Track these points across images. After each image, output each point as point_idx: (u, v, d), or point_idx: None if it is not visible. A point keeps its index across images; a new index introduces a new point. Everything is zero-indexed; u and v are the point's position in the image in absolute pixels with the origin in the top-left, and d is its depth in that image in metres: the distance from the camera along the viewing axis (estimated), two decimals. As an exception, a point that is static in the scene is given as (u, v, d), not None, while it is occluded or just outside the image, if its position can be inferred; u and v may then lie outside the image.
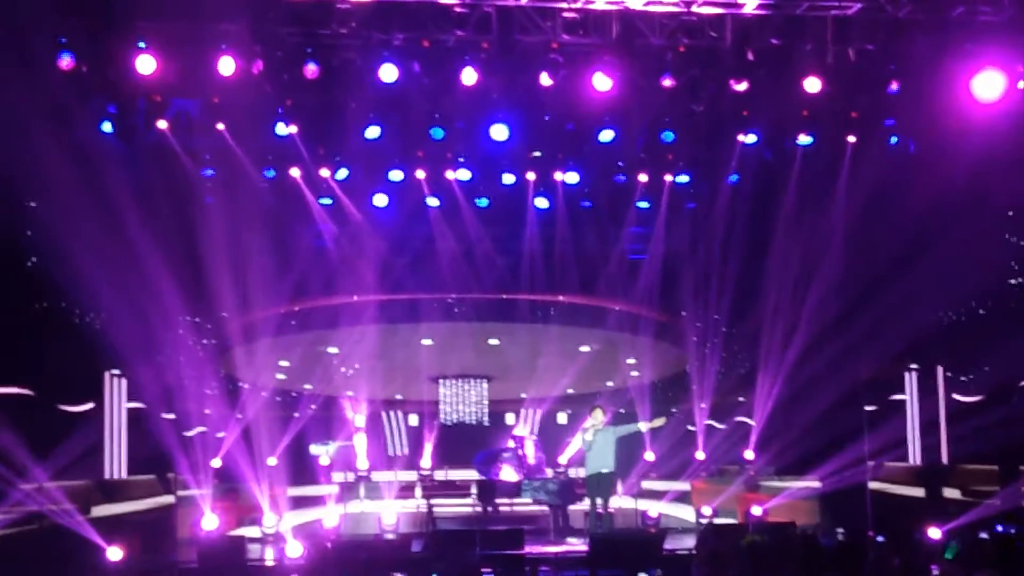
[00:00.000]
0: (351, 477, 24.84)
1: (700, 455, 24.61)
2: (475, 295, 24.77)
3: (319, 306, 24.74)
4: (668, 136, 19.91)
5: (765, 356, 22.92)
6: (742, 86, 17.49)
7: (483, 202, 22.37)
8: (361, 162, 20.69)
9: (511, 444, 22.63)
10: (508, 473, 21.51)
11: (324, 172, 20.76)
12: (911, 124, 19.06)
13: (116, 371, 21.15)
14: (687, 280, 23.95)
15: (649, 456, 24.81)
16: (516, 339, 27.31)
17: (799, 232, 21.46)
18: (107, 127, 18.24)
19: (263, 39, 16.57)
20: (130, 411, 21.31)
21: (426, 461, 27.94)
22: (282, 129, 19.11)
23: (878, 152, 19.57)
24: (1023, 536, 14.78)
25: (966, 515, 18.50)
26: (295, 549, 17.70)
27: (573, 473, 23.37)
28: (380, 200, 21.66)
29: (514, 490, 21.13)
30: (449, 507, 24.09)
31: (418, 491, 25.49)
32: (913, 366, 22.16)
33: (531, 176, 21.76)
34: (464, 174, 21.35)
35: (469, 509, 23.10)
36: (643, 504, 23.09)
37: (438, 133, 19.54)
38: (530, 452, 21.91)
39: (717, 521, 21.50)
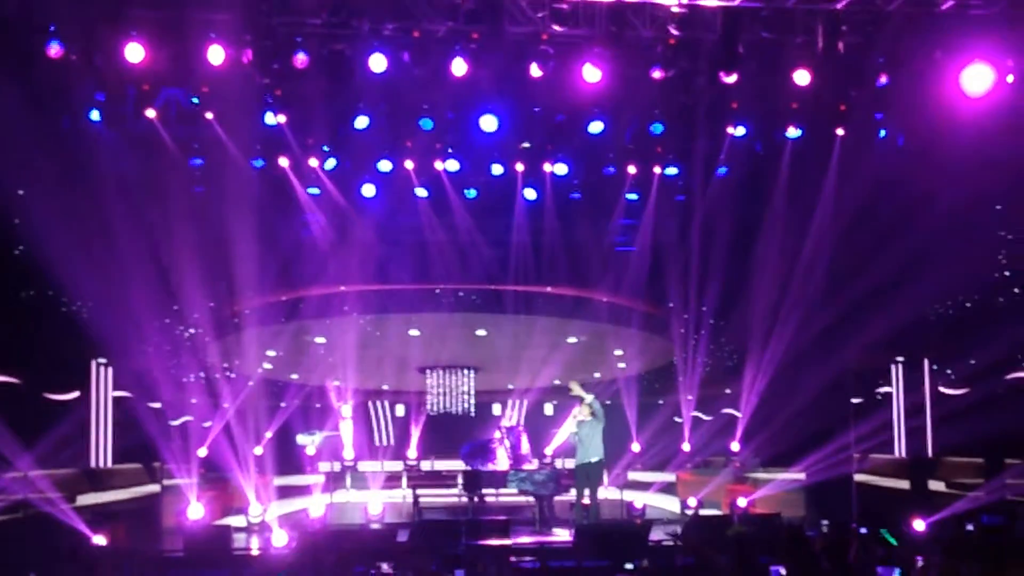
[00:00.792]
0: (337, 467, 24.88)
1: (686, 446, 24.68)
2: (463, 286, 24.78)
3: (306, 296, 24.73)
4: (657, 128, 19.92)
5: (752, 348, 22.97)
6: (732, 79, 17.47)
7: (472, 193, 22.36)
8: (350, 152, 20.68)
9: (497, 435, 22.64)
10: (495, 463, 21.52)
11: (313, 162, 20.73)
12: (900, 117, 19.08)
13: (102, 360, 21.13)
14: (675, 272, 23.98)
15: (635, 447, 24.89)
16: (503, 330, 27.33)
17: (787, 225, 21.50)
18: (96, 115, 18.20)
19: (253, 28, 16.51)
20: (116, 400, 21.28)
21: (412, 451, 27.96)
22: (271, 119, 19.09)
23: (867, 145, 19.61)
24: (1008, 528, 14.87)
25: (951, 507, 18.58)
26: (281, 538, 17.73)
27: (559, 464, 23.45)
28: (368, 190, 21.64)
29: (500, 481, 21.15)
30: (435, 497, 24.14)
31: (404, 481, 25.50)
32: (899, 358, 22.22)
33: (520, 167, 21.75)
34: (453, 165, 21.34)
35: (455, 499, 23.13)
36: (629, 495, 23.15)
37: (427, 124, 19.54)
38: (516, 443, 21.92)
39: (703, 512, 21.55)
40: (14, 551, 15.73)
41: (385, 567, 14.48)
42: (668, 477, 25.16)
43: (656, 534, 16.82)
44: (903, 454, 22.01)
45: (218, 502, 22.20)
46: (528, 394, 28.55)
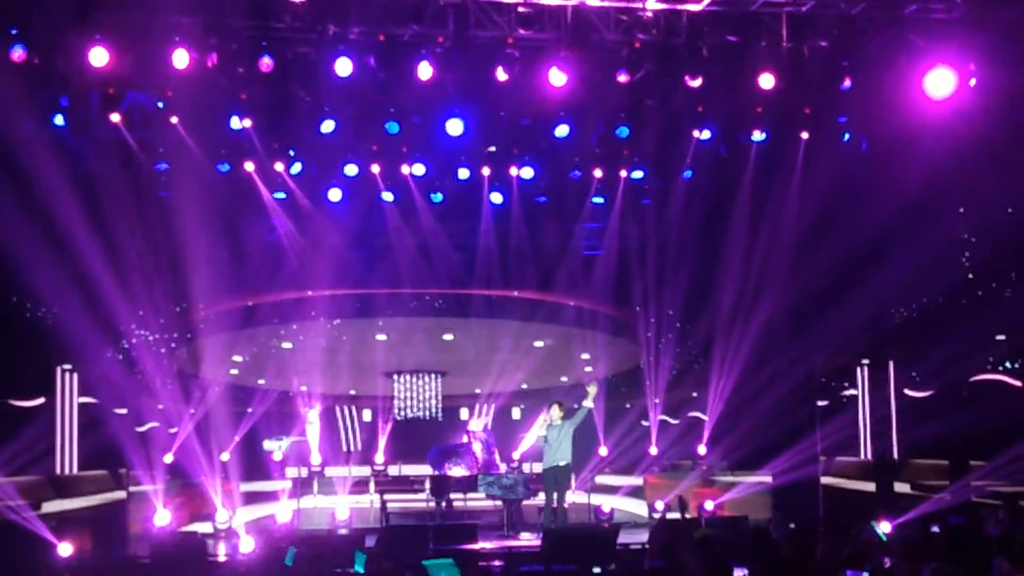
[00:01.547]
0: (304, 472, 24.81)
1: (653, 450, 24.72)
2: (429, 290, 24.76)
3: (273, 301, 24.66)
4: (623, 132, 19.94)
5: (718, 352, 23.03)
6: (697, 82, 17.55)
7: (438, 197, 22.35)
8: (316, 156, 20.62)
9: (465, 439, 22.64)
10: (461, 468, 21.52)
11: (278, 166, 20.64)
12: (864, 121, 19.19)
13: (68, 366, 20.99)
14: (641, 275, 24.03)
15: (602, 451, 24.92)
16: (471, 334, 27.32)
17: (752, 227, 21.58)
18: (59, 120, 18.10)
19: (217, 32, 16.46)
20: (82, 406, 21.15)
21: (380, 456, 27.92)
22: (236, 123, 19.01)
23: (831, 149, 19.70)
24: (972, 529, 14.95)
25: (916, 509, 18.68)
26: (248, 544, 17.68)
27: (527, 468, 23.46)
28: (335, 194, 21.58)
29: (468, 485, 21.13)
30: (403, 502, 24.10)
31: (372, 486, 25.46)
32: (864, 361, 22.33)
33: (486, 171, 21.73)
34: (419, 169, 21.32)
35: (422, 504, 23.11)
36: (596, 499, 23.17)
37: (393, 127, 19.52)
38: (483, 447, 21.92)
39: (670, 516, 21.60)
40: (-22, 559, 15.63)
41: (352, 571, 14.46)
42: (636, 481, 25.20)
43: (624, 537, 16.84)
44: (869, 456, 22.12)
45: (185, 508, 22.11)
46: (495, 398, 28.56)
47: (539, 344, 27.62)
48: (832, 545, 11.99)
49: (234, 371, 27.25)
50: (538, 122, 19.76)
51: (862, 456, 22.21)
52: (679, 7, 16.90)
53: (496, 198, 22.59)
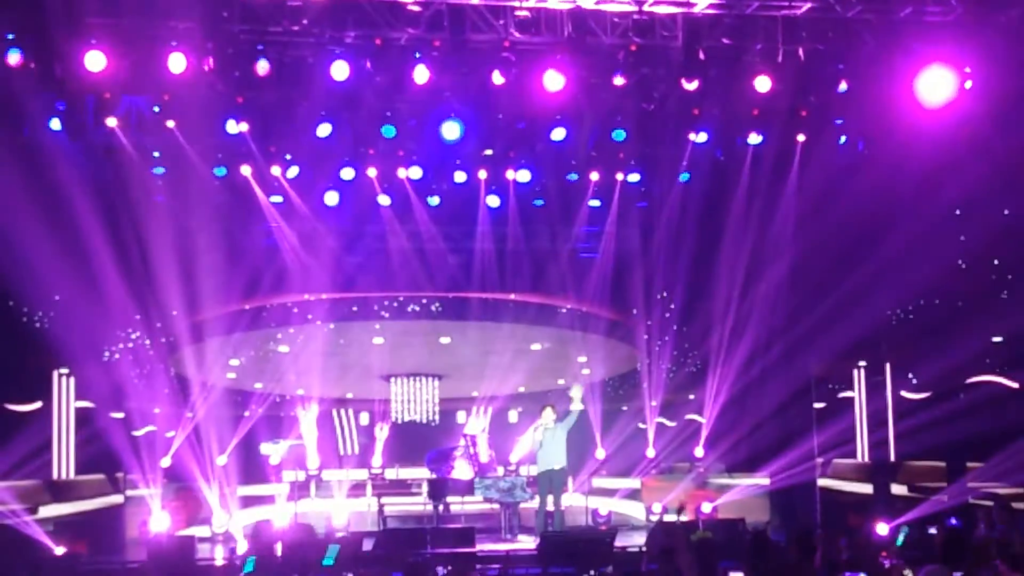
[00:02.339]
0: (302, 476, 24.76)
1: (650, 452, 24.71)
2: (427, 293, 24.76)
3: (270, 305, 24.65)
4: (619, 135, 19.97)
5: (715, 354, 23.03)
6: (693, 85, 17.55)
7: (435, 200, 22.38)
8: (312, 160, 20.60)
9: (462, 442, 22.64)
10: (459, 471, 21.53)
11: (275, 170, 20.63)
12: (860, 123, 19.19)
13: (64, 370, 20.99)
14: (638, 278, 24.04)
15: (600, 454, 24.90)
16: (468, 337, 27.30)
17: (749, 231, 21.59)
18: (56, 124, 18.08)
19: (214, 36, 16.44)
20: (78, 410, 21.14)
21: (377, 460, 27.89)
22: (233, 127, 18.98)
23: (827, 151, 19.70)
24: (969, 531, 14.97)
25: (913, 511, 18.70)
26: (245, 548, 17.67)
27: (524, 471, 23.44)
28: (331, 198, 21.59)
29: (465, 488, 21.14)
30: (400, 506, 24.08)
31: (369, 490, 25.43)
32: (861, 364, 22.34)
33: (483, 174, 21.74)
34: (416, 172, 21.31)
35: (420, 508, 23.10)
36: (594, 502, 23.18)
37: (390, 131, 19.52)
38: (482, 450, 21.93)
39: (667, 518, 21.60)
40: (-24, 563, 15.63)
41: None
42: (633, 483, 25.18)
43: (621, 540, 16.86)
44: (866, 459, 22.13)
45: (182, 512, 22.09)
46: (493, 401, 28.50)
47: (536, 347, 27.60)
48: (831, 548, 11.99)
49: (231, 375, 27.21)
50: (534, 125, 19.76)
51: (859, 458, 22.22)
52: (675, 11, 16.90)
53: (493, 201, 22.60)
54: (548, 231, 23.85)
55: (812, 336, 21.05)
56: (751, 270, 21.84)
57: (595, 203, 23.01)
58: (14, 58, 16.01)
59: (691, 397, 25.59)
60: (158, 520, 20.42)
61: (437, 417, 29.04)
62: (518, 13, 16.92)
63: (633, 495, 24.91)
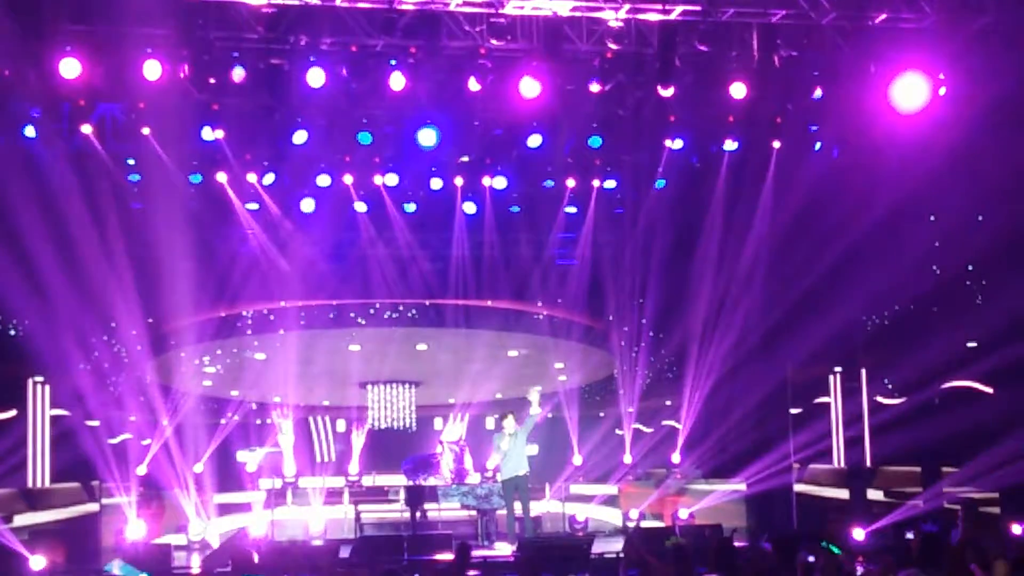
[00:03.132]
0: (278, 483, 24.71)
1: (628, 459, 24.74)
2: (403, 300, 24.73)
3: (245, 312, 24.60)
4: (596, 141, 20.02)
5: (692, 360, 23.07)
6: (669, 92, 17.56)
7: (411, 207, 22.38)
8: (288, 167, 20.60)
9: (439, 449, 22.63)
10: (436, 478, 21.52)
11: (251, 177, 20.61)
12: (835, 130, 19.26)
13: (39, 378, 20.88)
14: (614, 284, 24.08)
15: (577, 460, 24.93)
16: (444, 344, 27.29)
17: (725, 236, 21.64)
18: (30, 132, 18.02)
19: (190, 43, 16.40)
20: (53, 418, 21.05)
21: (354, 467, 27.84)
22: (208, 134, 18.95)
23: (803, 157, 19.77)
24: (945, 535, 15.03)
25: (889, 516, 18.76)
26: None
27: (501, 477, 23.43)
28: (307, 205, 21.57)
29: (443, 495, 21.10)
30: (377, 513, 24.04)
31: (346, 497, 25.39)
32: (836, 369, 22.39)
33: (459, 181, 21.76)
34: (392, 179, 21.32)
35: (397, 515, 23.07)
36: (571, 508, 23.18)
37: (366, 138, 19.54)
38: (458, 457, 21.92)
39: (644, 524, 21.63)
40: (-51, 573, 15.54)
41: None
42: (610, 489, 25.20)
43: (599, 546, 16.87)
44: (842, 464, 22.16)
45: (158, 520, 22.00)
46: (470, 408, 28.49)
47: (513, 354, 27.61)
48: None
49: (207, 382, 27.15)
50: (511, 132, 19.81)
51: (835, 464, 22.26)
52: (650, 17, 16.93)
53: (469, 208, 22.62)
54: (524, 238, 23.89)
55: (788, 341, 21.11)
56: (727, 276, 21.88)
57: (571, 210, 23.05)
58: (-13, 65, 15.95)
59: (668, 403, 25.63)
60: (134, 528, 20.33)
61: (414, 424, 29.02)
62: (494, 20, 16.90)
63: (610, 501, 24.93)
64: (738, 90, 17.58)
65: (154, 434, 22.74)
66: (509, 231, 23.44)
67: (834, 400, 22.44)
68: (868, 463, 21.66)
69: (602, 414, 27.53)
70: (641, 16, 16.93)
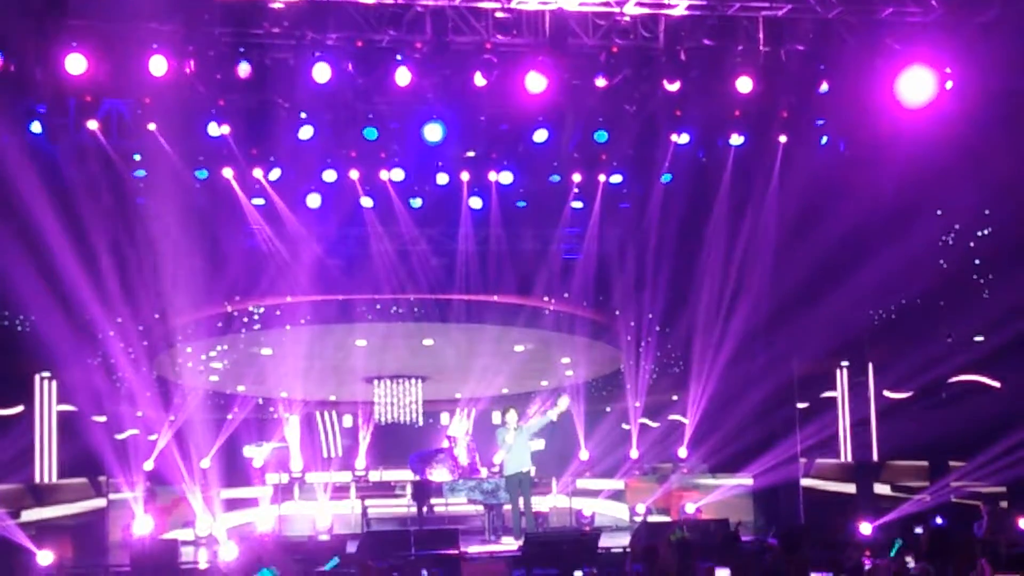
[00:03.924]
0: (285, 479, 24.74)
1: (634, 453, 24.73)
2: (409, 295, 24.71)
3: (252, 307, 24.61)
4: (602, 136, 19.96)
5: (698, 355, 23.06)
6: (675, 86, 17.55)
7: (417, 202, 22.34)
8: (294, 162, 20.55)
9: (446, 444, 22.64)
10: (442, 473, 21.53)
11: (257, 172, 20.57)
12: (841, 124, 19.23)
13: (46, 374, 20.94)
14: (621, 280, 24.07)
15: (583, 455, 24.93)
16: (451, 339, 27.28)
17: (731, 231, 21.63)
18: (36, 127, 18.01)
19: (195, 39, 16.40)
20: (61, 414, 21.10)
21: (360, 462, 27.86)
22: (214, 129, 18.91)
23: (809, 152, 19.74)
24: (954, 529, 15.04)
25: (896, 510, 18.77)
26: (229, 551, 17.63)
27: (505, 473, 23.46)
28: (313, 200, 21.54)
29: (449, 490, 21.11)
30: (384, 508, 24.06)
31: (353, 492, 25.41)
32: (843, 363, 22.38)
33: (465, 176, 21.71)
34: (398, 174, 21.27)
35: (404, 509, 23.08)
36: (577, 503, 23.20)
37: (372, 133, 19.50)
38: (464, 452, 21.93)
39: (651, 519, 21.63)
40: (-43, 568, 15.58)
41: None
42: (617, 484, 25.21)
43: (605, 541, 16.88)
44: (849, 458, 22.17)
45: (165, 516, 22.05)
46: (476, 403, 28.49)
47: (519, 348, 27.61)
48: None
49: (214, 377, 27.18)
50: (517, 127, 19.77)
51: (842, 458, 22.27)
52: (656, 12, 16.92)
53: (475, 203, 22.57)
54: (531, 232, 23.88)
55: (795, 336, 21.10)
56: (733, 271, 21.87)
57: (577, 204, 23.02)
58: (-6, 61, 15.96)
59: (674, 398, 25.63)
60: (141, 524, 20.37)
61: (420, 419, 29.03)
62: (499, 15, 16.92)
63: (617, 496, 24.93)
64: (744, 84, 17.56)
65: (161, 429, 22.76)
66: (515, 226, 23.41)
67: (841, 394, 22.45)
68: (875, 457, 21.67)
69: (608, 409, 27.55)
70: (647, 11, 16.93)
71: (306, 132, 19.01)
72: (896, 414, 20.95)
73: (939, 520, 17.22)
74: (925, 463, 20.46)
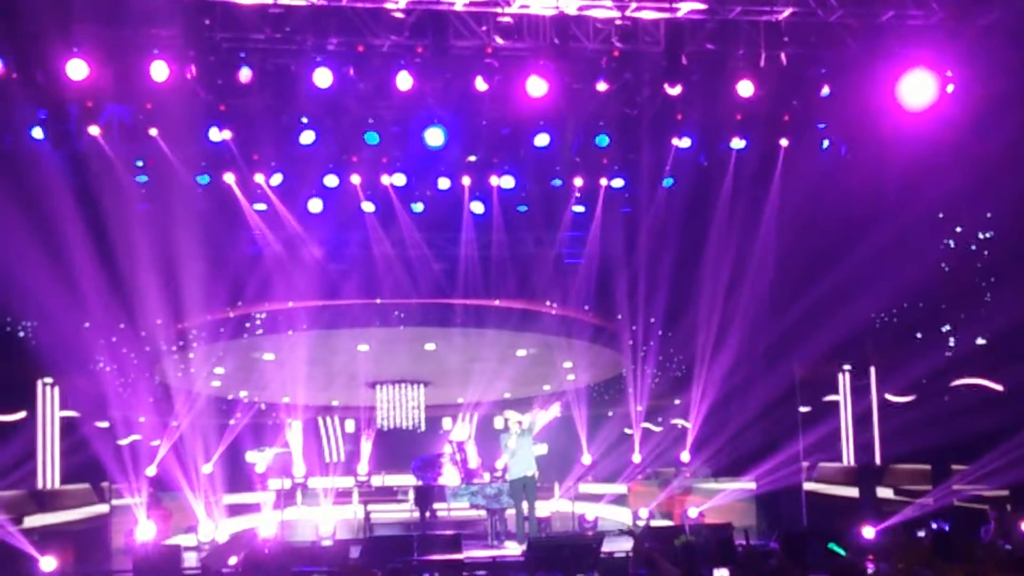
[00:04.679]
0: (287, 484, 24.72)
1: (636, 458, 24.72)
2: (411, 300, 24.70)
3: (254, 312, 24.60)
4: (603, 140, 19.97)
5: (700, 359, 23.05)
6: (676, 90, 17.56)
7: (419, 207, 22.34)
8: (296, 167, 20.58)
9: (448, 449, 22.63)
10: (445, 478, 21.51)
11: (259, 178, 20.61)
12: (842, 127, 19.23)
13: (48, 380, 20.93)
14: (623, 284, 24.03)
15: (586, 459, 24.91)
16: (453, 344, 27.26)
17: (733, 235, 21.62)
18: (38, 133, 18.03)
19: (197, 44, 16.40)
20: (63, 420, 21.09)
21: (363, 467, 27.84)
22: (216, 134, 18.95)
23: (810, 155, 19.74)
24: (957, 533, 15.02)
25: (899, 514, 18.75)
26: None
27: (508, 477, 23.46)
28: (315, 205, 21.55)
29: (452, 495, 21.10)
30: (386, 513, 24.05)
31: (355, 497, 25.40)
32: (846, 367, 22.37)
33: (467, 181, 21.72)
34: (399, 179, 21.30)
35: (407, 514, 23.07)
36: (580, 507, 23.18)
37: (373, 138, 19.52)
38: (468, 456, 21.91)
39: (653, 524, 21.62)
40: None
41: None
42: (619, 489, 25.19)
43: (608, 546, 16.85)
44: (851, 462, 22.16)
45: (167, 521, 22.04)
46: (478, 408, 28.47)
47: (521, 353, 27.59)
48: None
49: (216, 383, 27.16)
50: (518, 131, 19.78)
51: (845, 462, 22.25)
52: (657, 16, 16.92)
53: (477, 207, 22.58)
54: (532, 237, 23.87)
55: (796, 340, 21.09)
56: (735, 274, 21.86)
57: (579, 208, 23.02)
58: (-5, 67, 15.97)
59: (676, 402, 25.61)
60: (144, 530, 20.36)
61: (423, 424, 29.02)
62: (501, 19, 16.92)
63: (620, 500, 24.92)
64: (745, 88, 17.56)
65: (164, 435, 22.76)
66: (517, 230, 23.40)
67: (843, 398, 22.44)
68: (878, 461, 21.65)
69: (611, 413, 27.51)
70: (648, 15, 16.93)
71: (307, 137, 19.04)
72: (898, 417, 20.92)
73: (938, 524, 17.19)
74: (928, 467, 20.44)
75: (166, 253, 20.47)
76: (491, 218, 22.74)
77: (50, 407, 21.01)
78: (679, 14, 16.78)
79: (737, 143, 19.92)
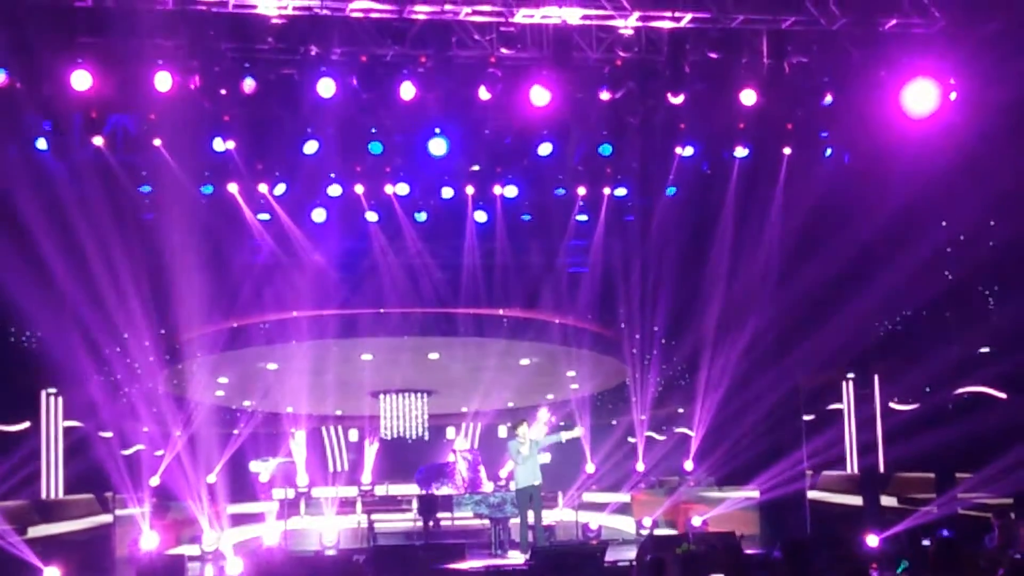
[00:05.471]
0: (291, 493, 24.75)
1: (640, 467, 24.73)
2: (415, 310, 24.73)
3: (258, 322, 24.63)
4: (606, 149, 19.96)
5: (704, 367, 23.05)
6: (679, 99, 17.57)
7: (422, 216, 22.35)
8: (299, 177, 20.56)
9: (451, 458, 22.63)
10: (448, 487, 21.52)
11: (262, 187, 20.62)
12: (846, 135, 19.21)
13: (52, 390, 20.92)
14: (626, 293, 24.05)
15: (589, 468, 24.92)
16: (456, 353, 27.31)
17: (736, 243, 21.62)
18: (42, 144, 18.03)
19: (200, 54, 16.41)
20: (67, 430, 21.09)
21: (367, 476, 27.87)
22: (220, 144, 18.92)
23: (813, 164, 19.74)
24: (962, 541, 14.99)
25: (903, 523, 18.73)
26: (235, 567, 17.62)
27: (514, 486, 23.47)
28: (319, 215, 21.57)
29: (455, 504, 21.11)
30: (390, 522, 24.07)
31: (359, 506, 25.43)
32: (849, 375, 22.36)
33: (470, 190, 21.74)
34: (403, 188, 21.31)
35: (410, 524, 23.08)
36: (584, 516, 23.18)
37: (376, 148, 19.51)
38: (470, 466, 21.92)
39: (657, 532, 21.62)
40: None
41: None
42: (623, 497, 25.20)
43: (611, 554, 16.87)
44: (855, 470, 22.14)
45: (171, 531, 22.04)
46: (482, 417, 28.53)
47: (525, 362, 27.63)
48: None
49: (220, 393, 27.22)
50: (521, 140, 19.77)
51: (849, 470, 22.24)
52: (660, 25, 16.94)
53: (480, 217, 22.60)
54: (536, 246, 23.86)
55: (800, 347, 21.07)
56: (738, 283, 21.86)
57: (582, 218, 23.03)
58: (0, 78, 15.97)
59: (680, 411, 25.62)
60: (148, 539, 20.36)
61: (426, 433, 29.05)
62: (504, 29, 16.92)
63: (623, 509, 24.92)
64: (748, 97, 17.56)
65: (167, 445, 22.77)
66: (520, 239, 23.41)
67: (847, 406, 22.43)
68: (882, 469, 21.64)
69: (614, 422, 27.55)
70: (651, 24, 16.95)
71: (311, 147, 19.02)
72: (902, 426, 20.90)
73: (945, 532, 17.15)
74: (932, 475, 20.42)
75: (169, 263, 20.47)
76: (494, 227, 22.75)
77: (54, 417, 21.01)
78: (682, 23, 16.80)
79: (740, 152, 19.88)
